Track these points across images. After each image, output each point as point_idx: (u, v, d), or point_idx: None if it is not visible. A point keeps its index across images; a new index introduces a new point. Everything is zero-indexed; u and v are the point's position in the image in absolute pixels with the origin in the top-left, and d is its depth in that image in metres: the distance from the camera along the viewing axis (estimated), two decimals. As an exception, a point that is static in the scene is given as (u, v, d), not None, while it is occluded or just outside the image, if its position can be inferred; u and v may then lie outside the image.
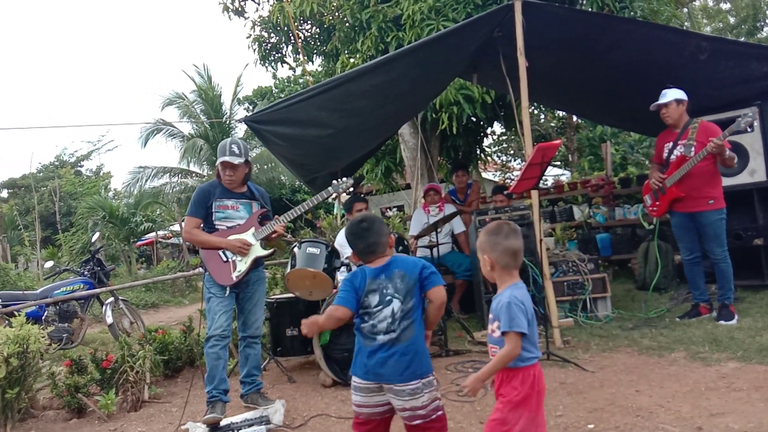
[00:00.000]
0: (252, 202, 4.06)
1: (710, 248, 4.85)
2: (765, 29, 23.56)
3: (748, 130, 4.64)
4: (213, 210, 3.91)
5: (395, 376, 2.34)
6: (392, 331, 2.37)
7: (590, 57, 5.25)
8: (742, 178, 5.13)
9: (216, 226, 3.92)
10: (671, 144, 4.92)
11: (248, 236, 3.93)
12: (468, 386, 2.19)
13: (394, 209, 16.07)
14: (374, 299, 2.42)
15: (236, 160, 3.87)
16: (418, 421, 2.37)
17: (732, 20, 23.94)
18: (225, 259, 3.86)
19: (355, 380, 2.46)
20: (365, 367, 2.40)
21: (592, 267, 5.63)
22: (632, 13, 7.12)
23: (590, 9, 6.89)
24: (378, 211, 17.05)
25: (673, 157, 4.89)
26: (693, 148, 4.73)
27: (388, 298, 2.40)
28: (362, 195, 8.01)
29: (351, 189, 4.20)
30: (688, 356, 4.02)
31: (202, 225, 3.93)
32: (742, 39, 22.26)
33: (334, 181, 4.14)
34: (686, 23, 12.16)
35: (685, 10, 11.39)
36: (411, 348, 2.36)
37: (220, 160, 3.90)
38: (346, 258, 4.58)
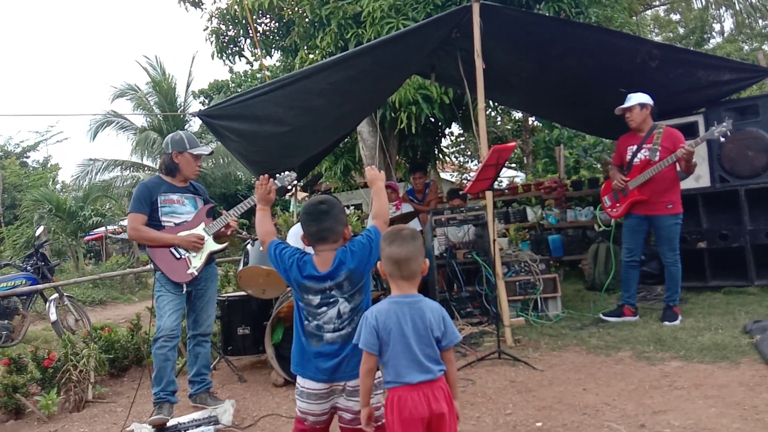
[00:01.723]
0: (196, 197, 3.98)
1: (663, 251, 4.99)
2: (711, 41, 24.52)
3: (722, 139, 4.78)
4: (159, 205, 3.78)
5: (347, 372, 2.24)
6: (341, 329, 2.26)
7: (546, 60, 5.35)
8: (687, 184, 5.31)
9: (162, 222, 3.79)
10: (635, 147, 5.00)
11: (200, 231, 3.85)
12: (363, 421, 2.14)
13: (352, 207, 16.02)
14: (315, 299, 2.28)
15: (208, 151, 3.91)
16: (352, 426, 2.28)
17: (681, 31, 24.81)
18: (178, 256, 3.75)
19: (304, 385, 2.31)
20: (315, 368, 2.27)
21: (544, 267, 5.73)
22: (587, 18, 7.27)
23: (547, 13, 7.04)
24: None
25: (637, 160, 4.97)
26: (658, 153, 4.83)
27: (333, 299, 2.27)
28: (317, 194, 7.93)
29: (295, 182, 4.14)
30: (634, 355, 4.12)
31: (146, 222, 3.78)
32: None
33: (278, 174, 4.09)
34: (636, 30, 12.52)
35: (634, 18, 11.72)
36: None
37: (194, 151, 3.84)
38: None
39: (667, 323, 4.82)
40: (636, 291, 5.26)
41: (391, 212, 6.53)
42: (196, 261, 3.79)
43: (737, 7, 11.25)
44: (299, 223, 5.69)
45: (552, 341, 4.72)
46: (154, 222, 3.78)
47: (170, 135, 3.95)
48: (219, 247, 3.93)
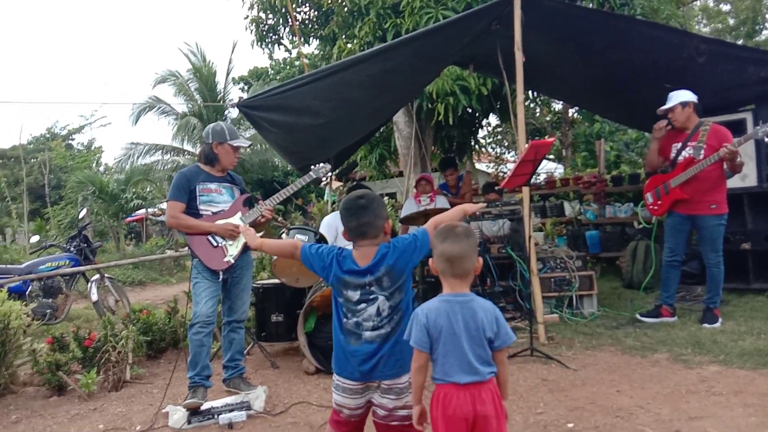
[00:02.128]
0: (233, 186, 4.03)
1: (705, 252, 4.87)
2: (764, 32, 23.60)
3: (766, 140, 4.63)
4: (197, 194, 3.84)
5: (384, 372, 2.22)
6: (380, 328, 2.22)
7: (589, 53, 5.23)
8: (733, 183, 5.13)
9: (200, 211, 3.84)
10: (680, 144, 4.87)
11: (236, 220, 3.90)
12: (414, 419, 2.13)
13: (386, 197, 16.03)
14: (354, 295, 2.24)
15: (247, 143, 3.97)
16: (396, 422, 2.26)
17: (731, 22, 23.94)
18: (215, 244, 3.81)
19: (339, 380, 2.30)
20: (351, 367, 2.24)
21: (580, 264, 5.65)
22: (632, 10, 7.08)
23: (590, 5, 6.87)
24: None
25: (681, 158, 4.85)
26: (703, 151, 4.69)
27: (373, 296, 2.23)
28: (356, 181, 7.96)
29: (329, 173, 4.18)
30: (671, 358, 4.04)
31: (184, 210, 3.84)
32: (741, 41, 22.31)
33: (313, 166, 4.11)
34: (684, 22, 12.14)
35: (681, 9, 11.35)
36: (400, 340, 2.19)
37: (234, 143, 3.90)
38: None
39: (706, 326, 4.71)
40: (675, 291, 5.14)
41: (425, 204, 6.51)
42: (233, 249, 3.84)
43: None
44: (333, 213, 5.74)
45: (586, 340, 4.65)
46: (192, 210, 3.84)
47: (211, 125, 4.01)
48: None
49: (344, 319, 2.29)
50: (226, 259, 3.81)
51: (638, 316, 5.12)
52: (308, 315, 4.38)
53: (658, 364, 3.92)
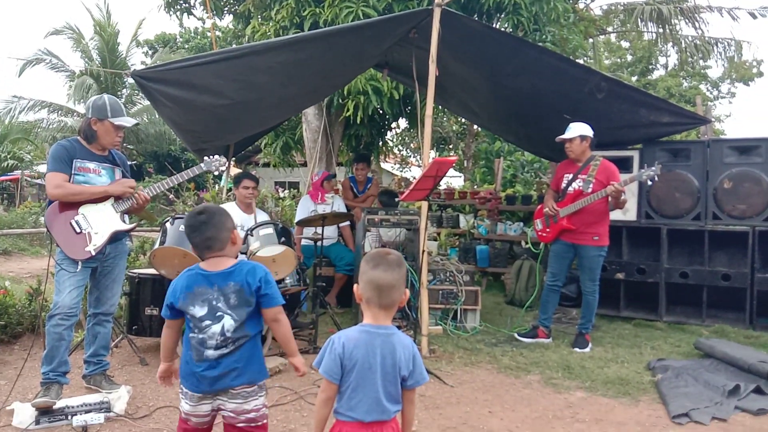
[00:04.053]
0: (114, 168, 3.68)
1: (583, 280, 5.11)
2: (655, 72, 25.64)
3: (649, 182, 4.97)
4: (72, 171, 3.46)
5: (229, 382, 2.21)
6: (224, 347, 2.20)
7: (498, 76, 5.33)
8: (615, 216, 5.44)
9: None
10: (571, 176, 5.08)
11: (107, 206, 3.55)
12: None
13: (289, 188, 15.72)
14: (200, 310, 2.21)
15: (131, 123, 3.62)
16: (242, 425, 2.24)
17: (629, 58, 25.77)
18: (78, 229, 3.44)
19: (186, 390, 2.27)
20: (197, 381, 2.21)
21: (468, 279, 5.77)
22: (544, 36, 7.36)
23: (506, 26, 7.05)
24: (272, 185, 16.62)
25: (571, 189, 5.05)
26: (591, 185, 4.91)
27: (219, 313, 2.20)
28: (254, 167, 7.68)
29: (223, 168, 3.94)
30: (542, 380, 4.20)
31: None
32: (635, 78, 24.06)
33: (206, 158, 3.85)
34: (590, 53, 12.85)
35: (591, 41, 12.03)
36: (244, 357, 2.22)
37: (116, 121, 3.52)
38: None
39: (577, 350, 4.95)
40: (553, 314, 5.37)
41: (329, 201, 6.41)
42: (97, 239, 3.48)
43: (682, 45, 11.70)
44: (226, 205, 5.49)
45: (466, 356, 4.75)
46: None
47: (93, 98, 3.63)
48: (126, 227, 3.65)
49: (191, 334, 2.25)
50: (87, 248, 3.44)
51: (516, 336, 5.31)
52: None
53: (530, 386, 4.06)
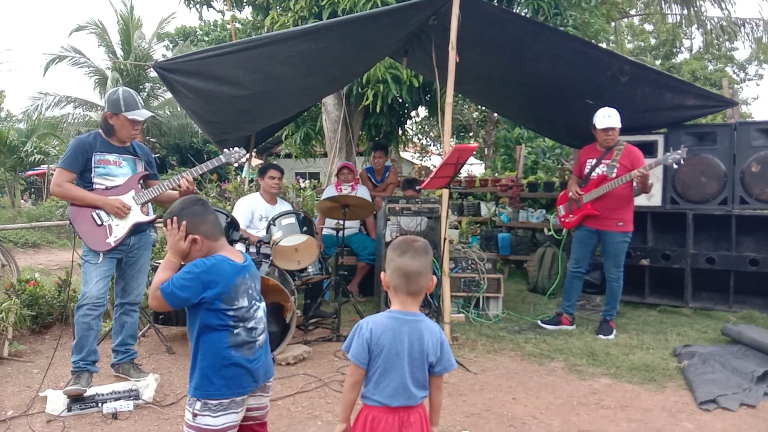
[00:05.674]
0: (136, 159, 3.71)
1: (607, 267, 5.05)
2: (679, 56, 25.11)
3: (675, 166, 4.87)
4: (93, 165, 3.50)
5: (270, 370, 2.26)
6: (264, 332, 2.22)
7: (519, 61, 5.27)
8: (640, 201, 5.36)
9: (94, 184, 3.52)
10: (594, 161, 5.00)
11: (127, 199, 3.59)
12: None
13: (310, 178, 15.79)
14: (244, 301, 2.13)
15: (144, 116, 3.61)
16: (258, 420, 2.25)
17: (653, 41, 25.28)
18: (99, 222, 3.49)
19: (235, 399, 2.09)
20: (251, 378, 2.12)
21: (490, 267, 5.75)
22: (565, 21, 7.24)
23: (526, 11, 6.95)
24: (292, 176, 16.70)
25: (594, 174, 4.98)
26: (615, 170, 4.83)
27: (254, 302, 2.18)
28: (275, 158, 7.72)
29: (243, 160, 3.95)
30: (566, 367, 4.18)
31: (76, 181, 3.52)
32: (659, 61, 23.60)
33: (226, 150, 3.87)
34: (611, 37, 12.63)
35: (613, 24, 11.83)
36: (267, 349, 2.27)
37: (129, 115, 3.53)
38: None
39: (602, 336, 4.91)
40: (576, 301, 5.33)
41: (347, 192, 6.42)
42: (118, 231, 3.52)
43: (708, 27, 11.42)
44: (251, 195, 5.53)
45: (489, 343, 4.74)
46: (86, 183, 3.52)
47: (110, 91, 3.67)
48: (147, 218, 3.68)
49: (235, 331, 2.10)
50: (108, 240, 3.49)
51: (540, 323, 5.28)
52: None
53: (554, 373, 4.04)
